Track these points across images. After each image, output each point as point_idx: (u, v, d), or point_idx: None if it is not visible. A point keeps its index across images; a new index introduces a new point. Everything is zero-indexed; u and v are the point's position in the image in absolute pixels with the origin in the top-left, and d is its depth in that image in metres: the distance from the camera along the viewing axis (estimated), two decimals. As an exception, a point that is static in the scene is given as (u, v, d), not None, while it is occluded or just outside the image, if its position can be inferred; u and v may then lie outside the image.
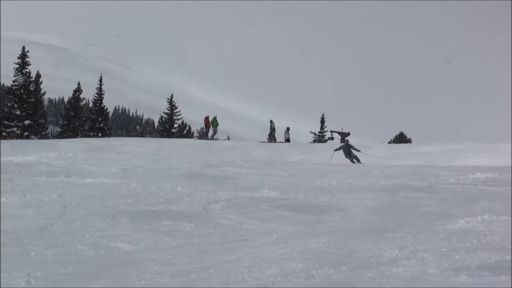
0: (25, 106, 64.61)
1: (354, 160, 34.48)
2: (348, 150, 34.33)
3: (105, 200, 12.22)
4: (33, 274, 7.39)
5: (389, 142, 67.95)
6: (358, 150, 34.38)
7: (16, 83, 65.31)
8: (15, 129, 61.42)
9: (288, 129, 52.85)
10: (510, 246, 7.51)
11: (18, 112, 65.91)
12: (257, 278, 6.70)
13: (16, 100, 64.92)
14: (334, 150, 35.64)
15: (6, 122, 66.72)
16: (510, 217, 10.89)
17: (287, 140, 51.16)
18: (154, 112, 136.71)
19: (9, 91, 68.16)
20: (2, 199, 12.46)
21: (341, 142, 39.95)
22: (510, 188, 13.97)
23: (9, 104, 64.73)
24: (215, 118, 53.06)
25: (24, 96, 65.48)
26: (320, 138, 72.95)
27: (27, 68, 64.97)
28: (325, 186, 14.71)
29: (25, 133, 64.14)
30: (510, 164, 17.37)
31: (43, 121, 70.40)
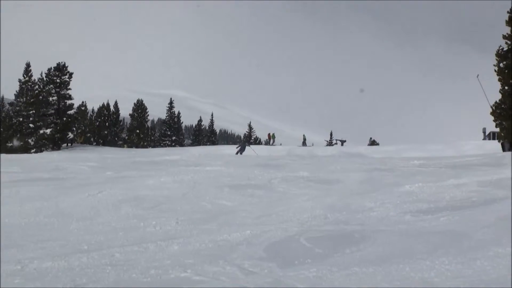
0: (171, 130, 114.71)
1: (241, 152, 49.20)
2: (244, 146, 51.25)
3: (216, 179, 15.71)
4: (180, 218, 10.75)
5: (368, 145, 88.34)
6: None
7: (167, 117, 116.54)
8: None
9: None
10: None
11: (168, 133, 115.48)
12: (298, 219, 10.13)
13: (167, 127, 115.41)
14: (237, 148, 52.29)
15: (163, 138, 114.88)
16: (435, 185, 13.77)
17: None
18: (242, 131, 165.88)
19: (164, 121, 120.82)
20: (161, 179, 15.66)
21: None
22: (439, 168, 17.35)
23: (163, 129, 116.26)
24: (273, 134, 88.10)
25: (172, 124, 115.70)
26: (330, 143, 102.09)
27: (173, 109, 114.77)
28: (333, 169, 18.57)
29: (173, 145, 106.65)
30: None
31: (182, 137, 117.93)
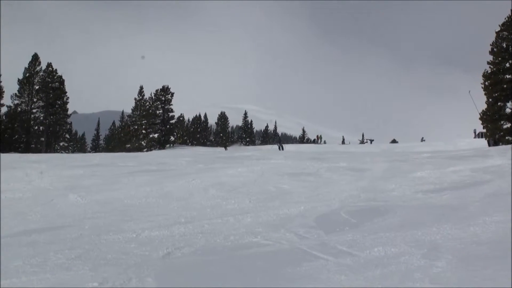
0: (246, 133, 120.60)
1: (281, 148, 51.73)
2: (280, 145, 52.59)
3: (277, 169, 15.63)
4: (252, 198, 10.79)
5: (390, 143, 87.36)
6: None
7: (242, 124, 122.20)
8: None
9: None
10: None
11: (244, 135, 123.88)
12: (338, 198, 10.07)
13: (243, 131, 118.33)
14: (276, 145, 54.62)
15: (240, 140, 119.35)
16: (439, 171, 13.65)
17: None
18: (297, 134, 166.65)
19: (240, 127, 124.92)
20: (238, 169, 15.66)
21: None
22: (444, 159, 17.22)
23: (240, 133, 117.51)
24: (320, 135, 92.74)
25: (246, 129, 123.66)
26: (362, 141, 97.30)
27: (247, 118, 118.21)
28: (364, 161, 18.39)
29: (247, 144, 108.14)
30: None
31: (254, 139, 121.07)
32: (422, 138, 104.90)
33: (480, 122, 44.30)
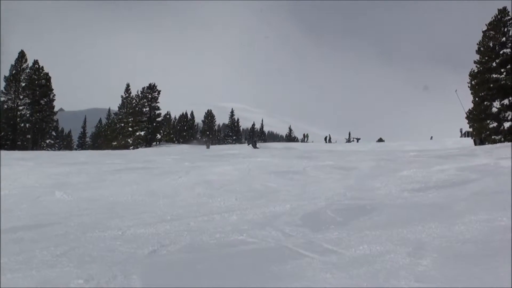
0: (232, 132, 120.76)
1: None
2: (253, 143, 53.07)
3: (264, 167, 15.52)
4: (238, 196, 10.73)
5: (376, 141, 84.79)
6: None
7: (229, 123, 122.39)
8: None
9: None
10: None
11: (230, 134, 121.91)
12: (325, 196, 10.04)
13: (229, 130, 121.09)
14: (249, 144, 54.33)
15: (226, 138, 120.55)
16: (425, 170, 13.49)
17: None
18: (284, 132, 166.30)
19: (227, 126, 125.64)
20: (224, 167, 15.58)
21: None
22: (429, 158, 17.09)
23: (226, 131, 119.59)
24: (307, 134, 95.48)
25: (232, 127, 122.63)
26: (348, 140, 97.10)
27: (234, 117, 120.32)
28: (351, 159, 18.14)
29: (233, 143, 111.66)
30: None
31: (240, 137, 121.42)
32: (379, 138, 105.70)
33: (467, 121, 44.55)
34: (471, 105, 44.12)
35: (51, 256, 5.57)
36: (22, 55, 71.76)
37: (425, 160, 16.48)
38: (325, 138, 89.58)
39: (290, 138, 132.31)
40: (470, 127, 46.05)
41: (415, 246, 5.50)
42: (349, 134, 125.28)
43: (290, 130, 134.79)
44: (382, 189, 10.91)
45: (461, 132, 66.14)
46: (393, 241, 5.81)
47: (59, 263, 5.25)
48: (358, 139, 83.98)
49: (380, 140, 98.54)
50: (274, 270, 4.81)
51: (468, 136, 55.08)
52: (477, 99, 43.29)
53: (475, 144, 40.59)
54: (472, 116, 43.32)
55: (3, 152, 30.00)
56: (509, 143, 27.64)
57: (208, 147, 56.98)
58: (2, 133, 66.99)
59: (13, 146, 65.57)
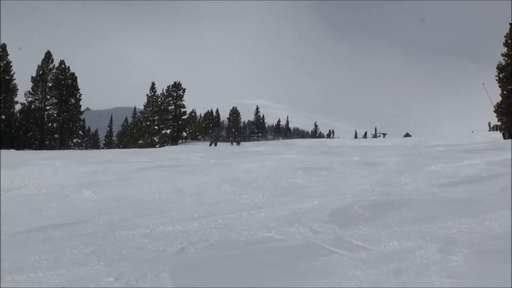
0: (258, 128, 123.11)
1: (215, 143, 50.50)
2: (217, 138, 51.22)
3: (291, 163, 15.53)
4: (265, 193, 10.73)
5: (403, 136, 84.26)
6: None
7: (254, 119, 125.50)
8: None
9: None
10: None
11: (255, 131, 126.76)
12: (352, 192, 10.00)
13: (255, 127, 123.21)
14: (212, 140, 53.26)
15: (252, 134, 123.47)
16: (453, 165, 13.55)
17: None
18: (310, 128, 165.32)
19: (252, 122, 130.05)
20: (251, 164, 15.65)
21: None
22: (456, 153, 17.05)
23: (252, 128, 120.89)
24: (333, 130, 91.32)
25: (258, 124, 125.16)
26: (375, 135, 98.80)
27: (259, 113, 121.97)
28: (378, 155, 18.10)
29: (259, 139, 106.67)
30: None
31: (266, 134, 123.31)
32: (406, 132, 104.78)
33: (495, 115, 44.00)
34: (499, 99, 43.54)
35: (81, 254, 5.60)
36: (48, 56, 72.58)
37: (453, 154, 16.33)
38: (365, 134, 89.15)
39: (315, 134, 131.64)
40: (498, 121, 45.42)
41: (446, 241, 5.43)
42: (375, 129, 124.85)
43: (316, 126, 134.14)
44: (410, 184, 10.83)
45: (489, 126, 65.51)
46: (423, 237, 5.74)
47: (89, 261, 5.28)
48: (384, 134, 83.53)
49: (407, 135, 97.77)
50: (303, 267, 4.79)
51: (496, 129, 54.41)
52: (505, 92, 42.77)
53: (504, 138, 40.04)
54: (500, 110, 42.74)
55: (32, 152, 30.33)
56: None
57: (211, 144, 57.19)
58: (30, 133, 67.66)
59: (41, 146, 66.37)
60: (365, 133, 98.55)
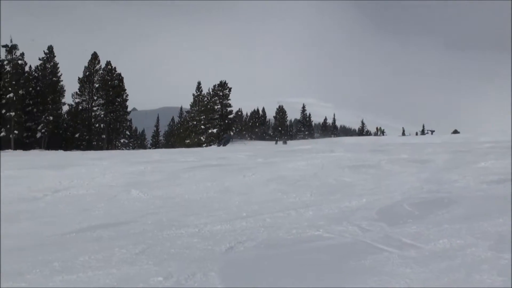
0: (304, 127, 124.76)
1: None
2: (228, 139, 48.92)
3: (338, 162, 15.51)
4: (313, 191, 10.74)
5: (451, 133, 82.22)
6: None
7: (301, 118, 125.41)
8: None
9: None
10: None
11: (302, 129, 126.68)
12: (401, 190, 9.97)
13: (301, 125, 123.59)
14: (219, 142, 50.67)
15: (298, 133, 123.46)
16: (503, 161, 13.36)
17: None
18: (356, 126, 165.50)
19: (299, 121, 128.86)
20: (298, 163, 15.62)
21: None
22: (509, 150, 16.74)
23: (298, 126, 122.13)
24: (380, 127, 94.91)
25: (304, 122, 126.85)
26: (422, 133, 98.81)
27: (305, 112, 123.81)
28: (426, 152, 18.15)
29: (306, 138, 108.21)
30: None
31: (312, 132, 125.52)
32: (455, 129, 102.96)
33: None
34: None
35: (130, 254, 5.69)
36: (94, 57, 73.79)
37: (502, 151, 16.04)
38: (430, 131, 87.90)
39: (362, 132, 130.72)
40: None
41: (497, 239, 5.38)
42: (423, 126, 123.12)
43: (363, 123, 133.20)
44: (460, 181, 10.74)
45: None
46: (474, 234, 5.69)
47: (138, 260, 5.37)
48: (432, 131, 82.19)
49: (455, 131, 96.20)
50: (352, 266, 4.79)
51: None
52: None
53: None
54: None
55: (80, 153, 30.89)
56: None
57: (219, 145, 57.41)
58: (78, 134, 68.94)
59: (88, 146, 67.54)
60: (422, 130, 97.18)
